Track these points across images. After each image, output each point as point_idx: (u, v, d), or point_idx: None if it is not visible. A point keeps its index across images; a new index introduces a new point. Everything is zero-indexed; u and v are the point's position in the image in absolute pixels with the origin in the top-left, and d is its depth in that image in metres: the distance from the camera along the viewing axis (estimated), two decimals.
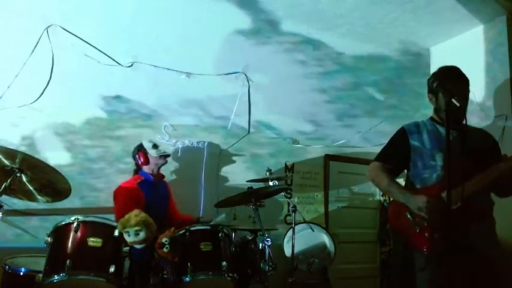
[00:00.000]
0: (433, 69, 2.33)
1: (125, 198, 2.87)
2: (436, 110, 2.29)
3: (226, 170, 3.80)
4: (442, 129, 2.24)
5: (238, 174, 3.76)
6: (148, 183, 3.04)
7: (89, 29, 3.37)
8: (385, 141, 2.45)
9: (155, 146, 3.13)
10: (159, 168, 3.16)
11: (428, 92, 2.26)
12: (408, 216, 2.13)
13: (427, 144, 2.22)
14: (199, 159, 3.72)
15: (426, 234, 2.06)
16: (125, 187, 2.97)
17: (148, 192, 2.97)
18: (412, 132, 2.28)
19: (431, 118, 2.34)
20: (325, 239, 3.66)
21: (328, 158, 4.30)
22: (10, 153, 2.14)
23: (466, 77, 2.22)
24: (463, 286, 1.97)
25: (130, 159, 3.27)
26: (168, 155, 3.23)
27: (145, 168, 3.10)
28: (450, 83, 2.06)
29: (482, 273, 2.01)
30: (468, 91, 2.23)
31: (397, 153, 2.32)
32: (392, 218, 2.32)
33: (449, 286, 1.95)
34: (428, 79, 2.23)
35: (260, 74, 3.99)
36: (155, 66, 3.57)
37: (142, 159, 3.07)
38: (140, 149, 3.12)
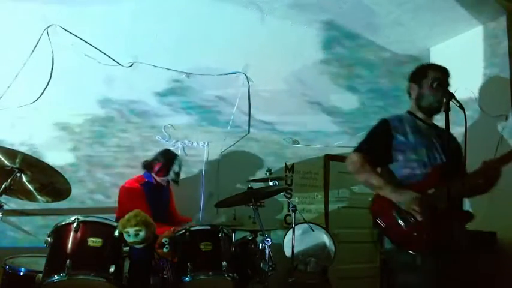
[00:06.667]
0: None
1: (129, 198, 2.88)
2: (417, 101, 2.23)
3: (226, 170, 3.79)
4: (420, 123, 2.21)
5: (238, 174, 3.76)
6: (152, 185, 3.04)
7: (89, 29, 3.37)
8: None
9: (177, 174, 3.10)
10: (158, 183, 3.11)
11: (411, 82, 2.24)
12: (395, 214, 2.06)
13: (411, 138, 2.15)
14: (199, 159, 3.73)
15: (415, 234, 1.97)
16: (129, 187, 2.96)
17: (151, 194, 2.97)
18: (395, 125, 2.20)
19: (409, 112, 2.28)
20: (325, 238, 3.66)
21: (328, 158, 4.29)
22: (10, 153, 2.15)
23: (448, 71, 2.20)
24: (450, 286, 1.93)
25: (130, 159, 3.25)
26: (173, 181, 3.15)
27: (153, 174, 3.06)
28: (438, 75, 2.10)
29: (468, 274, 1.97)
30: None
31: (379, 145, 2.20)
32: (376, 215, 2.23)
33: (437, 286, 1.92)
34: (413, 71, 2.23)
35: (260, 74, 3.99)
36: (155, 66, 3.57)
37: (158, 171, 3.03)
38: (167, 165, 3.04)
